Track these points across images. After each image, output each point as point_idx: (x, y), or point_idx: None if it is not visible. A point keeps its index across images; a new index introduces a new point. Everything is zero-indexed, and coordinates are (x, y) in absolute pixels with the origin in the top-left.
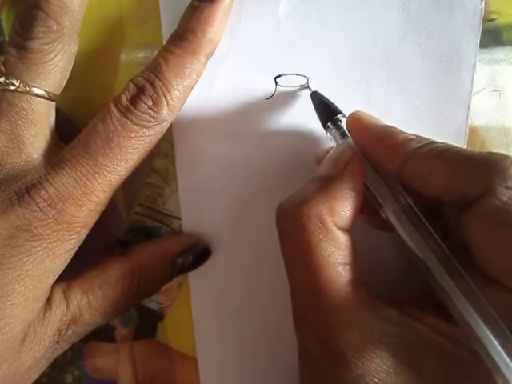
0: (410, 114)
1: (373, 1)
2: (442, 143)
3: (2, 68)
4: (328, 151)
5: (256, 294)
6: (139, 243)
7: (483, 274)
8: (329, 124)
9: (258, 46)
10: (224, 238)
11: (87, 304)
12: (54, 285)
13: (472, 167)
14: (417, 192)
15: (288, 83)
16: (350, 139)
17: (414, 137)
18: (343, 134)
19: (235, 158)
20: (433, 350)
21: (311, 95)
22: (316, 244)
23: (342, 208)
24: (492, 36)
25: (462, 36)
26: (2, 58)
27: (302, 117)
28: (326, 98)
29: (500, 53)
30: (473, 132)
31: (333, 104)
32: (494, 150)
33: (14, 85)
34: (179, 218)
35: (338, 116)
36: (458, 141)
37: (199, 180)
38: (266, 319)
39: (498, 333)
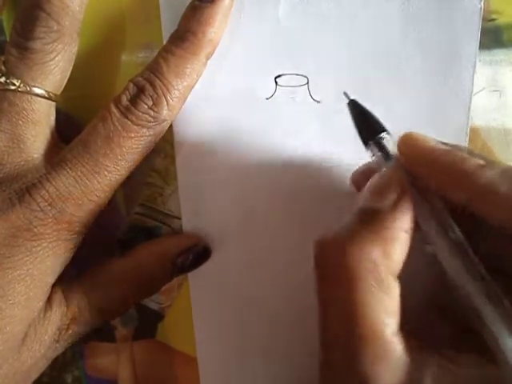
0: (410, 114)
1: (373, 1)
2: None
3: (3, 68)
4: (367, 171)
5: (256, 293)
6: (139, 243)
7: None
8: (370, 142)
9: (258, 46)
10: (224, 238)
11: (87, 304)
12: (54, 284)
13: None
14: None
15: (288, 83)
16: (395, 162)
17: (483, 162)
18: (387, 156)
19: (235, 158)
20: None
21: (349, 104)
22: (367, 292)
23: (395, 251)
24: (492, 36)
25: (462, 36)
26: (3, 58)
27: (302, 117)
28: (367, 110)
29: (500, 53)
30: (473, 132)
31: (376, 118)
32: (495, 151)
33: (14, 85)
34: (179, 218)
35: (382, 135)
36: (459, 141)
37: (199, 180)
38: (266, 319)
39: None
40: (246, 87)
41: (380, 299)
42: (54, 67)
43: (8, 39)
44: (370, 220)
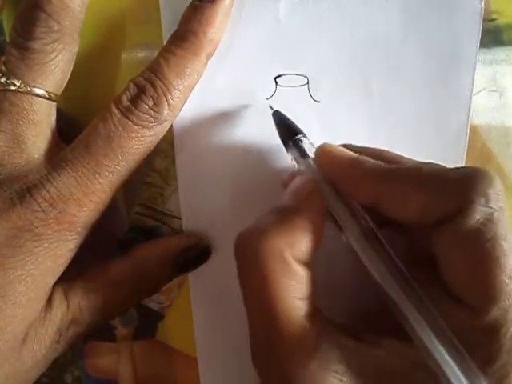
0: (410, 114)
1: (373, 1)
2: (409, 163)
3: (3, 68)
4: (293, 176)
5: None
6: (139, 243)
7: (447, 291)
8: (290, 143)
9: (258, 46)
10: (224, 238)
11: (88, 304)
12: (55, 285)
13: (447, 187)
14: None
15: (288, 83)
16: (310, 160)
17: (381, 163)
18: (303, 155)
19: (235, 158)
20: (392, 374)
21: (273, 114)
22: (274, 278)
23: (301, 241)
24: (492, 36)
25: (462, 36)
26: (3, 59)
27: (302, 117)
28: (287, 118)
29: (500, 53)
30: (473, 132)
31: (294, 124)
32: (495, 150)
33: (15, 85)
34: (179, 218)
35: (299, 136)
36: (459, 141)
37: (199, 180)
38: None
39: (455, 355)
40: (245, 87)
41: (288, 284)
42: (54, 67)
43: (8, 39)
44: (279, 214)
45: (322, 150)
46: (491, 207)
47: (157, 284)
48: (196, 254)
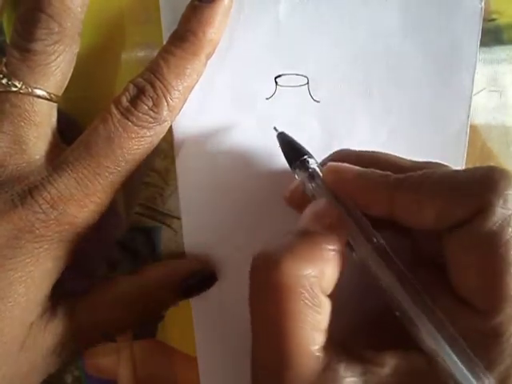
0: (410, 114)
1: (373, 1)
2: (420, 171)
3: (5, 70)
4: (296, 191)
5: None
6: (139, 243)
7: (453, 292)
8: (296, 164)
9: (257, 46)
10: (224, 238)
11: (92, 319)
12: (61, 298)
13: (463, 190)
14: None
15: (288, 83)
16: (319, 181)
17: (390, 173)
18: (312, 176)
19: (235, 158)
20: None
21: (277, 136)
22: (298, 309)
23: (329, 271)
24: (493, 36)
25: (462, 36)
26: (4, 60)
27: (302, 117)
28: (292, 139)
29: (501, 52)
30: (473, 132)
31: (299, 144)
32: (495, 150)
33: (16, 86)
34: (179, 218)
35: (305, 157)
36: (459, 141)
37: (199, 180)
38: None
39: (465, 359)
40: (246, 87)
41: (310, 315)
42: (55, 69)
43: (8, 40)
44: (307, 240)
45: (330, 169)
46: (509, 209)
47: (161, 306)
48: (201, 279)
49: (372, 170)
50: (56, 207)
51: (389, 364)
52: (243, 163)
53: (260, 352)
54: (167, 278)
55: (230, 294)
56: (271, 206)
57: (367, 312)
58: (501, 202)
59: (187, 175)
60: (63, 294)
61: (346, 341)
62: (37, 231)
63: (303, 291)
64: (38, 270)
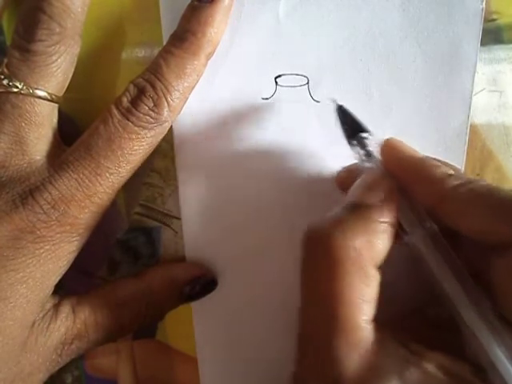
0: (410, 114)
1: (373, 1)
2: (482, 182)
3: (6, 70)
4: (351, 171)
5: (256, 293)
6: (139, 243)
7: (502, 314)
8: (354, 141)
9: (258, 46)
10: (224, 238)
11: (94, 321)
12: (63, 298)
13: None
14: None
15: (288, 83)
16: (376, 160)
17: (452, 172)
18: (369, 154)
19: (235, 158)
20: None
21: (336, 109)
22: (347, 279)
23: (379, 243)
24: (493, 36)
25: (462, 36)
26: (5, 61)
27: (302, 117)
28: (352, 114)
29: (501, 52)
30: (473, 131)
31: (359, 120)
32: (495, 150)
33: (17, 87)
34: (179, 218)
35: (364, 134)
36: (459, 141)
37: (199, 180)
38: (266, 319)
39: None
40: (245, 87)
41: (358, 286)
42: (56, 69)
43: (8, 41)
44: (357, 212)
45: (388, 146)
46: None
47: (162, 309)
48: (203, 284)
49: (432, 161)
50: (57, 208)
51: (434, 362)
52: (243, 163)
53: (309, 324)
54: (168, 284)
55: (230, 293)
56: (271, 205)
57: (417, 300)
58: None
59: (187, 175)
60: (64, 295)
61: (394, 326)
62: (38, 232)
63: (350, 261)
64: (39, 271)
